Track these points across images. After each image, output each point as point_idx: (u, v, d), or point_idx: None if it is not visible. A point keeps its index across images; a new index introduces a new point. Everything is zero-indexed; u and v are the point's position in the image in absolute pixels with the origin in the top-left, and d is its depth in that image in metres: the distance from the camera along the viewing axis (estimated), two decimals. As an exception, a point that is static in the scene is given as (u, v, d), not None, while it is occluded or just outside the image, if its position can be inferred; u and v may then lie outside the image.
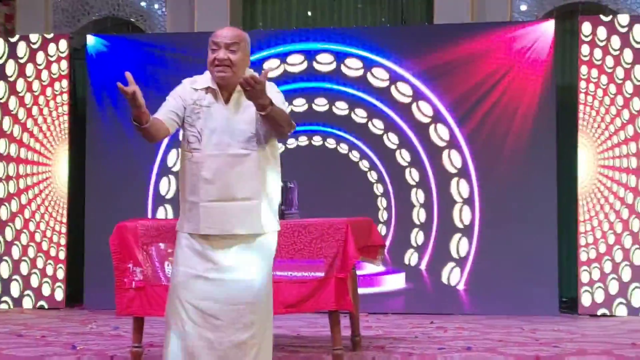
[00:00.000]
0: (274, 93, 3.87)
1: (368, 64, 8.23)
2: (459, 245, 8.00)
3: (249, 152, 3.82)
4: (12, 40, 8.84)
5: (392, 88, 8.19)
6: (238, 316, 3.80)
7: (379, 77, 8.21)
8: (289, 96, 8.27)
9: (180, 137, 4.04)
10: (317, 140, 8.30)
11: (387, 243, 7.94)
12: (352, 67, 8.26)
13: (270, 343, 3.96)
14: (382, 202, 8.16)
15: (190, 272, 3.85)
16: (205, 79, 3.93)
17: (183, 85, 3.99)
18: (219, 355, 3.79)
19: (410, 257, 8.07)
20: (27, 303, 8.54)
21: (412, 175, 8.13)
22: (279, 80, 8.31)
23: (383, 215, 8.14)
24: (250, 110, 3.81)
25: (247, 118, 3.84)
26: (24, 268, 8.59)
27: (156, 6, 9.50)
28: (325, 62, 8.31)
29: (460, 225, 8.01)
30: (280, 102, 3.89)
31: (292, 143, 8.26)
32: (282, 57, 8.37)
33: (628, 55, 7.86)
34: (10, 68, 8.75)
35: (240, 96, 3.83)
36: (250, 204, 3.83)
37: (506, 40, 8.04)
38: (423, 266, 8.04)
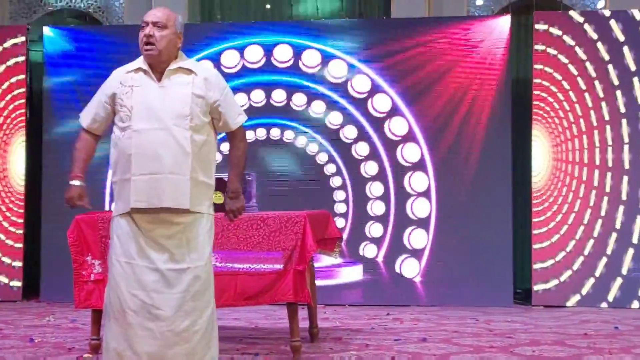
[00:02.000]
0: (221, 89, 4.01)
1: (326, 58, 8.28)
2: (415, 238, 8.08)
3: (180, 130, 3.88)
4: (-33, 30, 8.75)
5: (350, 81, 8.24)
6: (178, 304, 3.83)
7: (336, 71, 8.26)
8: (247, 89, 8.31)
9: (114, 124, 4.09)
10: (275, 134, 8.32)
11: (345, 235, 8.01)
12: (310, 61, 8.30)
13: (214, 328, 3.98)
14: (339, 195, 8.22)
15: (127, 261, 3.89)
16: (137, 62, 4.05)
17: (111, 77, 4.12)
18: (161, 344, 3.82)
19: (367, 249, 8.14)
20: (-17, 296, 8.49)
21: (368, 169, 8.20)
22: (237, 74, 8.34)
23: (340, 207, 8.20)
24: (184, 90, 3.92)
25: (180, 96, 3.92)
26: (-20, 261, 8.53)
27: (113, -3, 9.46)
28: (283, 55, 8.33)
29: (416, 218, 8.10)
30: (229, 101, 4.05)
31: (250, 136, 8.27)
32: (240, 50, 8.38)
33: (581, 50, 7.99)
34: (-33, 60, 8.67)
35: (172, 75, 3.96)
36: (178, 178, 3.85)
37: (462, 35, 8.13)
38: (380, 258, 8.12)
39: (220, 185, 4.45)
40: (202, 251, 3.94)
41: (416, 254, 8.07)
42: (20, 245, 8.52)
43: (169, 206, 3.85)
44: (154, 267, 3.85)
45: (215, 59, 8.37)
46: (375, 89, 8.20)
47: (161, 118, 3.87)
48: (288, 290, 4.88)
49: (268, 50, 8.36)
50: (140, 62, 4.03)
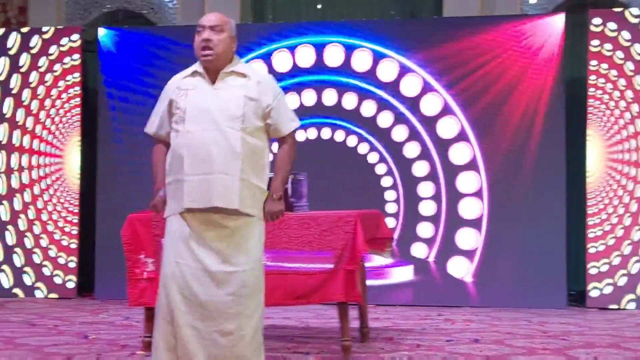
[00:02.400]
0: (274, 94, 4.03)
1: (377, 57, 8.26)
2: (467, 238, 8.03)
3: (232, 131, 3.90)
4: (25, 31, 8.90)
5: (401, 81, 8.21)
6: (225, 307, 3.85)
7: (387, 71, 8.24)
8: (298, 89, 8.33)
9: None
10: (325, 133, 8.33)
11: (396, 236, 7.98)
12: (361, 61, 8.29)
13: (259, 333, 3.98)
14: (389, 195, 8.19)
15: (177, 262, 3.92)
16: (193, 66, 4.10)
17: (168, 84, 4.16)
18: (207, 344, 3.84)
19: (418, 250, 8.10)
20: (39, 293, 8.62)
21: (419, 169, 8.16)
22: (288, 74, 8.36)
23: (391, 208, 8.17)
24: (237, 93, 3.95)
25: (233, 99, 3.95)
26: (36, 258, 8.67)
27: (166, -1, 9.55)
28: (334, 55, 8.34)
29: (468, 218, 8.04)
30: (282, 107, 4.05)
31: (301, 136, 8.30)
32: (292, 50, 8.40)
33: (638, 48, 7.86)
34: (23, 60, 8.82)
35: (226, 77, 4.00)
36: (228, 178, 3.87)
37: (516, 34, 8.05)
38: (431, 258, 8.08)
39: (269, 184, 4.47)
40: (252, 254, 3.94)
41: (468, 254, 8.01)
42: (75, 243, 8.64)
43: (218, 205, 3.87)
44: (204, 269, 3.88)
45: (267, 60, 8.41)
46: (426, 89, 8.17)
47: (214, 119, 3.90)
48: (339, 289, 4.87)
49: (319, 50, 8.37)
50: (196, 66, 4.08)
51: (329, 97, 8.35)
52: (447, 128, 8.13)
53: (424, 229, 8.12)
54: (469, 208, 8.05)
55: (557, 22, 7.99)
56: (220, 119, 3.90)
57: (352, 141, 8.29)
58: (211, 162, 3.87)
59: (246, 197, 3.92)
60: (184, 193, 3.91)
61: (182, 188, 3.92)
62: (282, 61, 8.41)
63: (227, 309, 3.86)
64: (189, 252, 3.91)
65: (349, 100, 8.31)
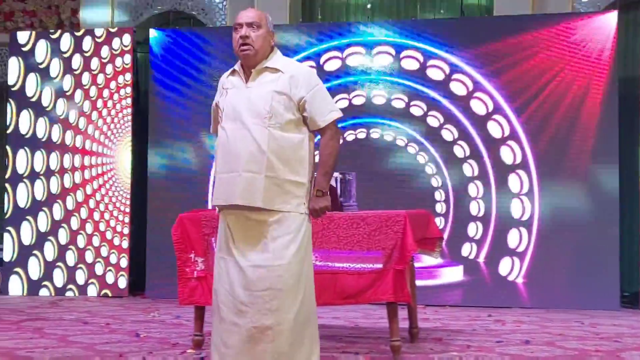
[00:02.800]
0: (309, 86, 3.99)
1: (427, 57, 8.23)
2: (518, 238, 7.96)
3: (258, 128, 3.90)
4: (78, 34, 9.03)
5: (451, 80, 8.17)
6: (261, 302, 3.84)
7: (437, 70, 8.20)
8: (348, 89, 8.32)
9: None
10: (375, 133, 8.32)
11: (445, 236, 7.93)
12: (411, 60, 8.26)
13: (306, 328, 3.94)
14: (439, 195, 8.16)
15: (221, 257, 3.99)
16: (235, 66, 4.11)
17: (219, 82, 4.21)
18: (247, 340, 3.84)
19: (468, 250, 8.05)
20: (92, 291, 8.74)
21: (469, 168, 8.11)
22: (337, 74, 8.37)
23: (440, 207, 8.13)
24: (266, 89, 3.95)
25: (262, 96, 3.94)
26: (89, 257, 8.79)
27: (217, 0, 9.61)
28: (384, 55, 8.32)
29: (519, 218, 7.97)
30: (318, 98, 4.00)
31: (350, 136, 8.30)
32: (341, 50, 8.41)
33: (692, 46, 7.74)
34: (76, 62, 8.95)
35: (259, 74, 4.00)
36: (252, 176, 3.87)
37: (567, 32, 7.96)
38: (481, 259, 8.02)
39: None
40: (285, 250, 3.90)
41: (518, 255, 7.94)
42: (126, 242, 8.75)
43: (239, 203, 3.88)
44: (238, 264, 3.90)
45: (316, 60, 8.43)
46: (476, 88, 8.11)
47: (243, 118, 3.92)
48: (388, 289, 4.86)
49: (368, 50, 8.36)
50: (236, 64, 4.10)
51: (378, 97, 8.33)
52: (497, 127, 8.06)
53: (474, 229, 8.06)
54: (520, 208, 7.97)
55: (610, 20, 7.88)
56: (248, 117, 3.92)
57: (401, 141, 8.27)
58: (238, 160, 3.89)
59: (274, 193, 3.89)
60: (217, 190, 4.00)
61: (217, 185, 4.01)
62: (332, 61, 8.41)
63: (263, 305, 3.84)
64: (228, 247, 3.97)
65: (399, 100, 8.29)
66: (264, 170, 3.87)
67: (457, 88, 8.16)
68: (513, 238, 7.97)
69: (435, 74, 8.21)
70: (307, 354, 3.94)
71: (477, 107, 8.11)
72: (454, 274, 8.08)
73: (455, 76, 8.16)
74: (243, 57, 4.00)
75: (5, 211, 9.05)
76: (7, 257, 8.92)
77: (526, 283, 7.90)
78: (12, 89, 9.08)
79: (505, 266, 7.96)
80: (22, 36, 9.10)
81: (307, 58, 8.42)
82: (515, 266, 7.94)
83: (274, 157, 3.89)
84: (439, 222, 8.00)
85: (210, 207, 8.40)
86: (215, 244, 4.08)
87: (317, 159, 4.08)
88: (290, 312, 3.88)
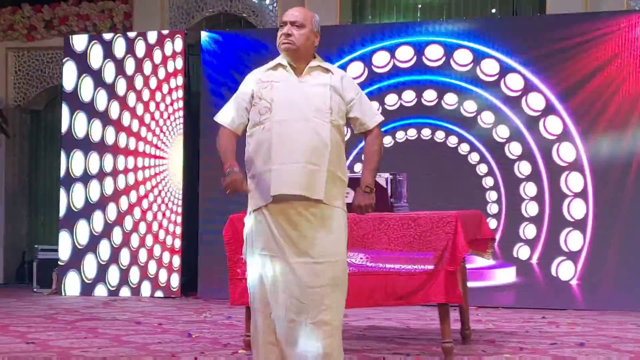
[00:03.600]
0: (356, 90, 4.07)
1: (478, 56, 8.16)
2: (572, 239, 7.85)
3: (321, 122, 3.93)
4: (131, 37, 9.14)
5: (502, 80, 8.09)
6: (320, 298, 3.84)
7: (489, 69, 8.13)
8: (398, 89, 8.30)
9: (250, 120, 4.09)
10: (426, 133, 8.28)
11: (498, 237, 7.86)
12: (462, 60, 8.20)
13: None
14: (491, 196, 8.08)
15: (264, 255, 3.93)
16: (275, 60, 4.11)
17: (247, 78, 4.14)
18: (304, 335, 3.84)
19: (521, 251, 7.97)
20: (145, 291, 8.83)
21: (522, 169, 8.02)
22: (388, 74, 8.34)
23: (492, 208, 8.06)
24: (323, 86, 3.99)
25: (321, 92, 3.98)
26: (142, 257, 8.89)
27: (267, 1, 9.65)
28: (434, 55, 8.27)
29: (572, 219, 7.86)
30: (365, 102, 4.08)
31: (401, 136, 8.28)
32: (391, 50, 8.38)
33: None
34: (130, 65, 9.06)
35: (312, 72, 4.04)
36: (315, 168, 3.89)
37: (622, 30, 7.84)
38: (534, 260, 7.93)
39: (354, 184, 4.54)
40: (338, 246, 3.93)
41: (572, 256, 7.84)
42: (179, 242, 8.82)
43: (304, 194, 3.87)
44: (290, 261, 3.88)
45: (366, 60, 8.41)
46: (529, 87, 8.02)
47: (302, 111, 3.93)
48: (439, 291, 4.83)
49: (419, 49, 8.32)
50: (279, 59, 4.09)
51: (429, 96, 8.29)
52: (550, 127, 7.96)
53: (527, 230, 7.98)
54: (574, 209, 7.87)
55: (666, 17, 7.75)
56: (308, 111, 3.93)
57: (452, 141, 8.22)
58: (300, 152, 3.89)
59: (331, 188, 3.93)
60: (271, 182, 3.90)
61: (269, 178, 3.91)
62: (382, 61, 8.39)
63: (321, 300, 3.84)
64: (275, 245, 3.91)
65: (450, 100, 8.24)
66: (326, 164, 3.91)
67: (509, 87, 8.08)
68: (567, 239, 7.86)
69: (486, 74, 8.14)
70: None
71: (530, 107, 8.02)
72: (506, 276, 8.00)
73: (507, 75, 8.08)
74: (284, 51, 4.02)
75: (60, 213, 9.19)
76: (63, 257, 9.06)
77: (580, 285, 7.80)
78: (67, 92, 9.21)
79: (559, 267, 7.86)
80: (77, 40, 9.24)
81: (357, 58, 8.41)
82: (569, 267, 7.83)
83: (333, 152, 3.94)
84: (491, 223, 7.93)
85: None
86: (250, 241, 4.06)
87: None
88: (341, 307, 3.93)
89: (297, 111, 3.93)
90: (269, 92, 4.01)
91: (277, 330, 3.92)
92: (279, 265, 3.91)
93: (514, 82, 8.06)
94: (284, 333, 3.89)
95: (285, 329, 3.88)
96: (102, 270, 8.95)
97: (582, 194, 7.85)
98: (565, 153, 7.91)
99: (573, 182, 7.88)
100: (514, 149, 8.05)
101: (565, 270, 7.84)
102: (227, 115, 4.15)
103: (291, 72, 4.04)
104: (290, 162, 3.89)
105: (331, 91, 3.98)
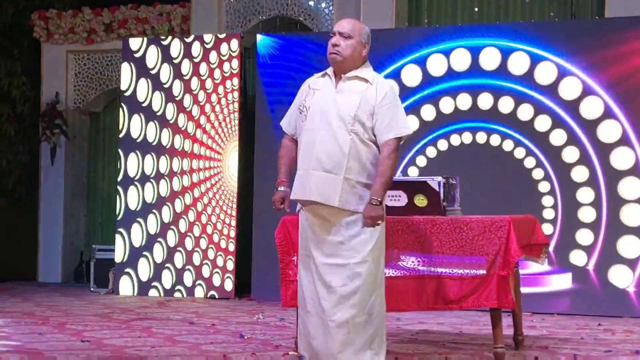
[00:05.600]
0: (388, 101, 4.22)
1: (535, 60, 8.06)
2: (630, 246, 7.71)
3: (342, 132, 4.14)
4: (188, 40, 9.23)
5: (560, 84, 7.98)
6: (340, 297, 4.11)
7: (545, 73, 8.03)
8: (453, 93, 8.24)
9: None
10: (481, 137, 8.20)
11: (553, 242, 7.78)
12: (518, 63, 8.11)
13: (373, 327, 4.21)
14: (547, 201, 7.98)
15: (305, 253, 4.27)
16: (328, 70, 4.37)
17: (303, 83, 4.46)
18: (325, 332, 4.15)
19: (577, 257, 7.85)
20: (199, 292, 8.91)
21: (578, 174, 7.90)
22: (443, 77, 8.29)
23: (548, 213, 7.96)
24: (355, 96, 4.18)
25: (350, 101, 4.18)
26: (196, 259, 8.97)
27: (323, 5, 9.67)
28: (490, 58, 8.19)
29: (630, 225, 7.72)
30: (390, 115, 4.21)
31: (455, 140, 8.22)
32: (447, 53, 8.32)
33: None
34: (186, 67, 9.15)
35: (349, 81, 4.23)
36: (331, 176, 4.12)
37: (684, 33, 7.69)
38: (590, 266, 7.81)
39: (421, 188, 4.61)
40: (362, 249, 4.15)
41: (630, 263, 7.70)
42: (233, 244, 8.88)
43: (316, 200, 4.14)
44: (316, 261, 4.18)
45: (421, 64, 8.37)
46: (586, 92, 7.90)
47: (328, 119, 4.17)
48: (491, 295, 4.80)
49: (474, 53, 8.25)
50: (328, 68, 4.36)
51: (485, 100, 8.21)
52: (608, 132, 7.83)
53: (584, 236, 7.85)
54: (632, 215, 7.73)
55: None
56: (333, 120, 4.16)
57: (508, 145, 8.13)
58: (318, 160, 4.14)
59: (350, 195, 4.15)
60: (295, 186, 4.25)
61: (296, 181, 4.26)
62: (437, 65, 8.34)
63: (341, 300, 4.12)
64: (307, 244, 4.24)
65: (505, 104, 8.15)
66: (343, 172, 4.14)
67: (566, 91, 7.97)
68: (624, 245, 7.73)
69: (543, 77, 8.04)
70: (375, 353, 4.21)
71: (587, 111, 7.90)
72: (562, 282, 7.89)
73: (564, 79, 7.97)
74: (331, 60, 4.28)
75: (117, 213, 9.32)
76: (118, 258, 9.18)
77: (638, 292, 7.65)
78: (125, 94, 9.35)
79: (616, 274, 7.73)
80: (134, 43, 9.37)
81: (412, 62, 8.37)
82: (627, 274, 7.70)
83: (353, 160, 4.16)
84: (547, 228, 7.83)
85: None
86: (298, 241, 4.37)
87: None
88: (365, 308, 4.16)
89: (324, 120, 4.18)
90: (310, 99, 4.30)
91: (307, 327, 4.24)
92: (310, 264, 4.24)
93: (570, 87, 7.94)
94: (312, 328, 4.20)
95: (311, 324, 4.20)
96: (157, 271, 9.05)
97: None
98: (623, 158, 7.77)
99: (631, 188, 7.74)
100: (570, 154, 7.92)
101: (622, 277, 7.70)
102: (285, 121, 4.56)
103: (332, 81, 4.27)
104: (308, 168, 4.19)
105: (362, 101, 4.16)
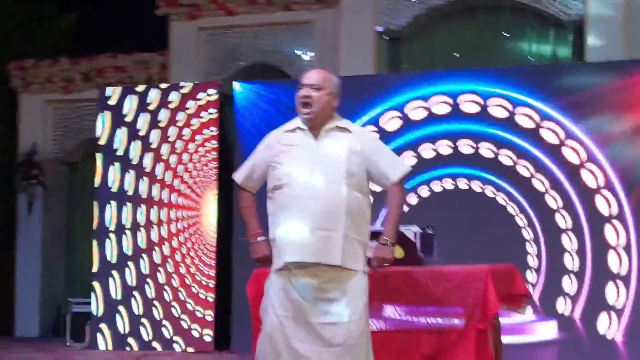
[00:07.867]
0: (376, 145, 4.14)
1: (515, 105, 7.97)
2: (616, 293, 7.55)
3: (335, 186, 3.95)
4: (164, 87, 9.12)
5: (541, 128, 7.88)
6: (336, 357, 3.89)
7: (527, 118, 7.92)
8: (433, 138, 8.13)
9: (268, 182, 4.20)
10: (462, 184, 8.08)
11: (538, 290, 7.63)
12: (499, 108, 8.01)
13: None
14: (531, 247, 7.84)
15: (284, 315, 3.97)
16: (295, 121, 4.17)
17: (267, 138, 4.25)
18: None
19: (562, 305, 7.68)
20: (177, 346, 8.69)
21: (563, 219, 7.77)
22: (423, 123, 8.18)
23: (532, 261, 7.80)
24: (340, 148, 4.01)
25: (338, 154, 4.01)
26: (174, 311, 8.75)
27: (303, 51, 9.60)
28: (470, 103, 8.10)
29: (616, 272, 7.57)
30: (386, 156, 4.12)
31: (436, 186, 8.09)
32: (426, 99, 8.22)
33: None
34: (162, 115, 9.03)
35: (330, 133, 4.07)
36: (330, 234, 3.92)
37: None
38: (576, 315, 7.64)
39: (401, 239, 4.54)
40: (357, 306, 3.96)
41: (616, 311, 7.53)
42: (212, 296, 8.68)
43: (320, 261, 3.91)
44: (309, 321, 3.93)
45: (401, 109, 8.26)
46: (568, 136, 7.79)
47: (317, 175, 3.96)
48: (470, 350, 4.61)
49: (455, 98, 8.16)
50: (297, 122, 4.15)
51: (465, 146, 8.10)
52: (591, 177, 7.71)
53: (568, 284, 7.70)
54: (617, 261, 7.58)
55: None
56: (325, 175, 3.96)
57: (490, 191, 8.00)
58: (315, 218, 3.92)
59: (349, 252, 3.95)
60: (287, 247, 3.97)
61: (286, 243, 3.98)
62: (417, 111, 8.23)
63: (343, 358, 3.90)
64: (293, 305, 3.96)
65: (486, 149, 8.04)
66: (341, 229, 3.94)
67: (548, 136, 7.86)
68: (611, 293, 7.56)
69: (524, 122, 7.93)
70: None
71: (570, 156, 7.79)
72: (547, 330, 7.71)
73: (545, 124, 7.87)
74: (303, 117, 4.09)
75: (94, 265, 9.11)
76: (95, 311, 8.96)
77: (626, 342, 7.47)
78: (100, 143, 9.20)
79: (602, 323, 7.55)
80: (110, 91, 9.25)
81: (392, 108, 8.26)
82: (614, 323, 7.53)
83: (349, 216, 3.96)
84: (531, 275, 7.68)
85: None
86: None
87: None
88: None
89: (313, 176, 3.97)
90: (286, 155, 4.05)
91: None
92: (298, 326, 3.95)
93: (552, 131, 7.83)
94: None
95: None
96: (134, 324, 8.82)
97: (626, 246, 7.57)
98: (607, 203, 7.64)
99: (615, 233, 7.60)
100: (554, 200, 7.80)
101: (609, 326, 7.53)
102: (241, 174, 4.32)
103: (309, 135, 4.08)
104: (302, 228, 3.95)
105: (349, 153, 3.99)
